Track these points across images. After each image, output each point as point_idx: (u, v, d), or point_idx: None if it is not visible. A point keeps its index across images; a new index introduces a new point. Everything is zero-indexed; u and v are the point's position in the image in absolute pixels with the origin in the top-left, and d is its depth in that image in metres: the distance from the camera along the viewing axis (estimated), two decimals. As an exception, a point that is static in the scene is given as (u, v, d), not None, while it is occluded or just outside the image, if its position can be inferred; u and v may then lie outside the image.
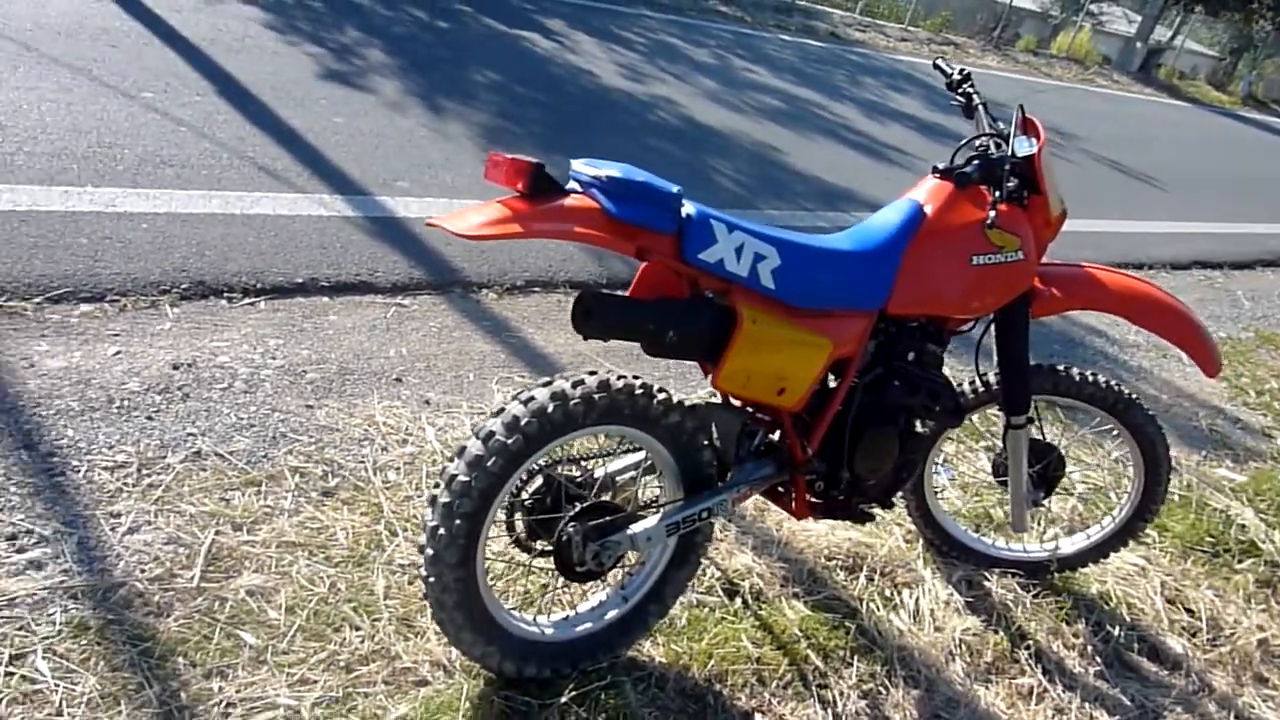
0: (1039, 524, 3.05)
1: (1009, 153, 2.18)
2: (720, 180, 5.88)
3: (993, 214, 2.04)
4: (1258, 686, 2.64)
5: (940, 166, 2.20)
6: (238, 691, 1.82)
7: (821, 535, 2.71)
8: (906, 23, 17.64)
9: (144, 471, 2.30)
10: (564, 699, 1.96)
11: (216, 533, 2.17)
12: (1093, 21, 23.03)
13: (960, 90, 2.46)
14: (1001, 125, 2.31)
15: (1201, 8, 26.48)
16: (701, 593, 2.41)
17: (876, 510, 2.52)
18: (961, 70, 2.48)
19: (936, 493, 2.90)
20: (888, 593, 2.59)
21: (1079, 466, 3.48)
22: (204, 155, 4.12)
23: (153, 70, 5.03)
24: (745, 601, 2.41)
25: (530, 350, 3.33)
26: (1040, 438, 2.73)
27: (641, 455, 2.09)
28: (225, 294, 3.18)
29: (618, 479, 2.12)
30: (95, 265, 3.09)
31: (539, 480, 1.96)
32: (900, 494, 2.78)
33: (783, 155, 6.78)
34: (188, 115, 4.52)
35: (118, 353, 2.73)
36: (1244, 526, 3.37)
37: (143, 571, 2.02)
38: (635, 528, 1.95)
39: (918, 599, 2.58)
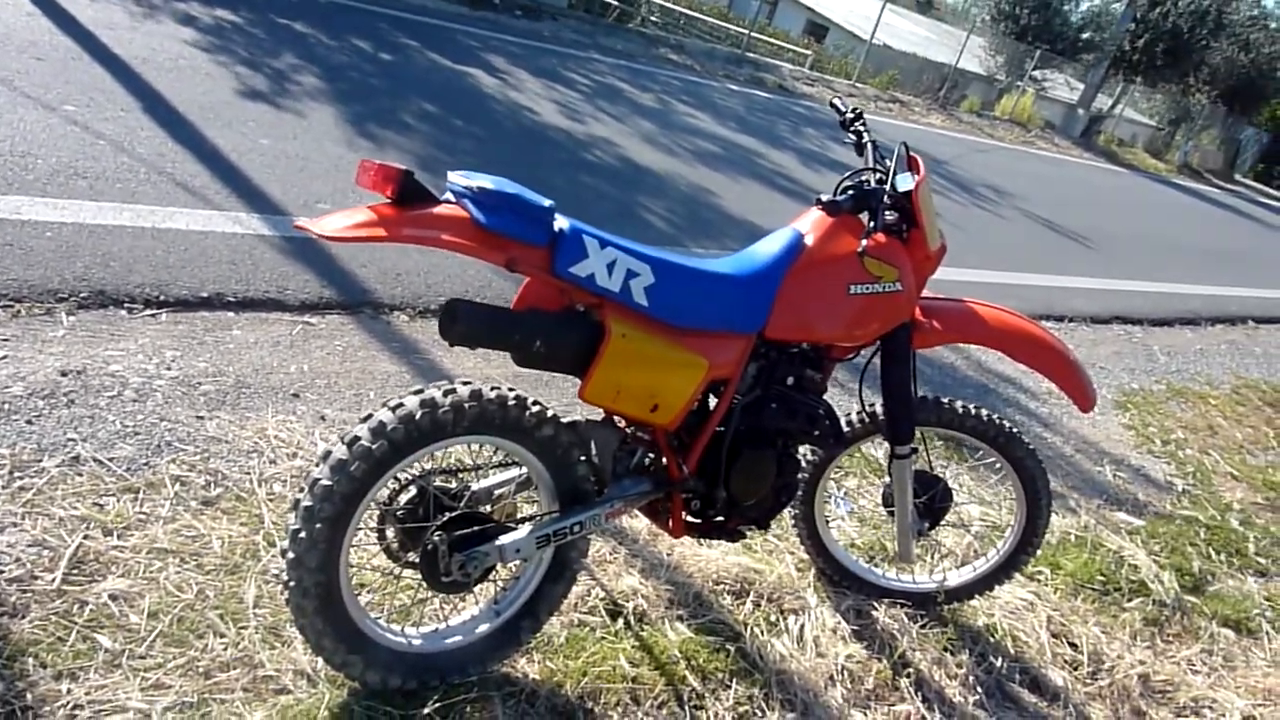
0: (933, 557, 3.10)
1: (886, 186, 2.26)
2: (650, 219, 5.96)
3: (864, 243, 2.11)
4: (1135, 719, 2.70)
5: (823, 198, 2.27)
6: (87, 694, 1.79)
7: (711, 560, 2.74)
8: (854, 79, 18.10)
9: (15, 474, 2.26)
10: (427, 710, 1.95)
11: (85, 537, 2.14)
12: (1036, 87, 23.77)
13: (852, 128, 2.54)
14: (888, 162, 2.39)
15: (1141, 79, 27.52)
16: (584, 613, 2.41)
17: (768, 536, 2.54)
18: (854, 109, 2.57)
19: (829, 522, 2.95)
20: (773, 618, 2.61)
21: (979, 505, 3.55)
22: (120, 169, 4.10)
23: (78, 85, 5.00)
24: (628, 622, 2.42)
25: (437, 372, 3.34)
26: (927, 469, 2.80)
27: (521, 470, 2.11)
28: (126, 304, 3.15)
29: (496, 493, 2.14)
30: (-8, 271, 3.06)
31: (413, 490, 1.97)
32: (793, 523, 2.84)
33: (716, 198, 6.90)
34: (109, 130, 4.49)
35: (4, 357, 2.69)
36: (1136, 567, 3.45)
37: (2, 573, 1.98)
38: (504, 539, 1.96)
39: (803, 625, 2.61)
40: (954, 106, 19.67)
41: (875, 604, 2.77)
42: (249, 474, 2.53)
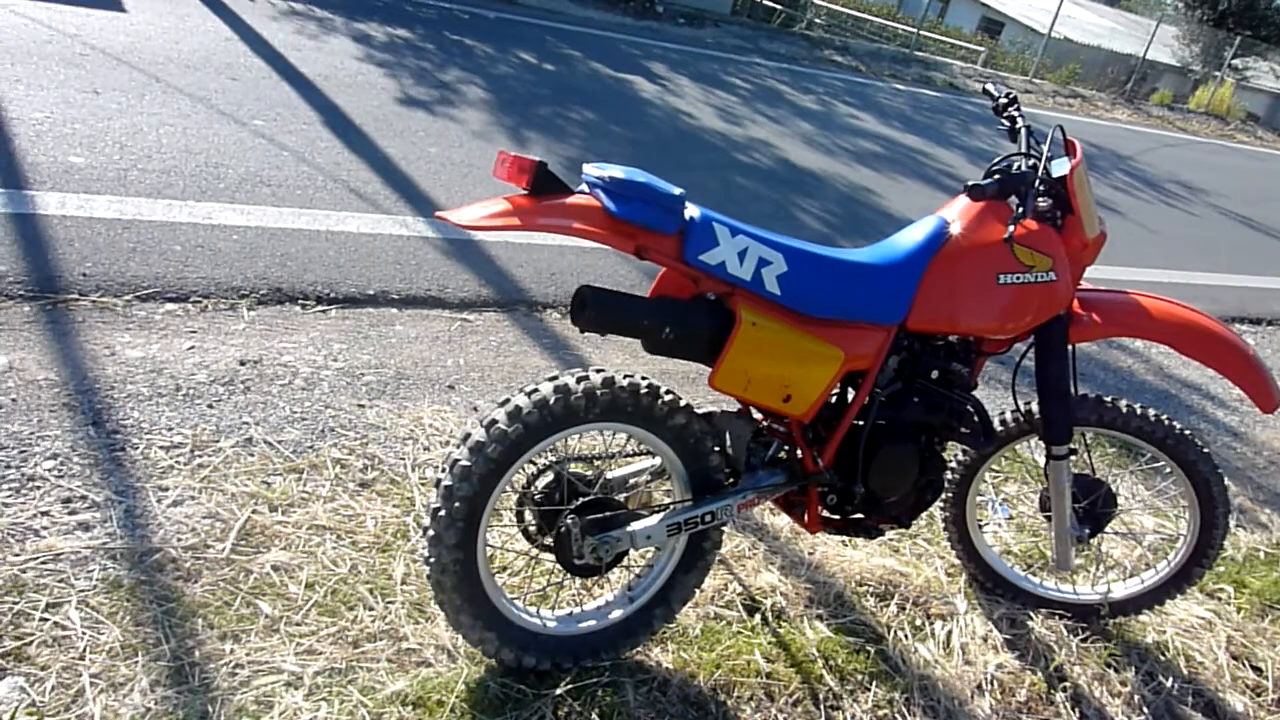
0: (1097, 567, 2.93)
1: (1039, 169, 2.16)
2: (804, 218, 5.89)
3: (1011, 229, 2.01)
4: (1328, 754, 2.46)
5: (971, 184, 2.19)
6: (248, 655, 1.93)
7: (855, 561, 2.68)
8: (1031, 75, 17.29)
9: (196, 452, 2.46)
10: (559, 691, 1.99)
11: (253, 512, 2.31)
12: (1236, 76, 22.03)
13: (1005, 114, 2.45)
14: (1043, 147, 2.28)
15: (1361, 64, 25.06)
16: (720, 606, 2.41)
17: (916, 539, 2.46)
18: (1008, 94, 2.48)
19: (982, 526, 2.83)
20: (919, 622, 2.53)
21: (1154, 514, 3.32)
22: (301, 177, 4.40)
23: (266, 101, 5.40)
24: (765, 618, 2.40)
25: (585, 367, 3.41)
26: (1089, 472, 2.65)
27: (655, 459, 2.13)
28: (300, 301, 3.38)
29: (630, 481, 2.17)
30: (184, 270, 3.34)
31: (550, 475, 2.02)
32: (943, 525, 2.74)
33: (876, 197, 6.75)
34: (291, 142, 4.83)
35: (192, 347, 2.93)
36: (1337, 590, 3.14)
37: (179, 540, 2.16)
38: (635, 525, 1.98)
39: (950, 631, 2.51)
40: (1142, 100, 18.50)
41: (1031, 614, 2.63)
42: (404, 459, 2.65)
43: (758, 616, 2.39)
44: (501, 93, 6.89)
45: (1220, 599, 2.94)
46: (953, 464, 2.67)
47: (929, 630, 2.50)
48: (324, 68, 6.39)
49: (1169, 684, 2.52)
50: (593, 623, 2.11)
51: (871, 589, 2.60)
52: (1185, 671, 2.59)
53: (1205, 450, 2.46)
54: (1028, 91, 15.80)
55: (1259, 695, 2.58)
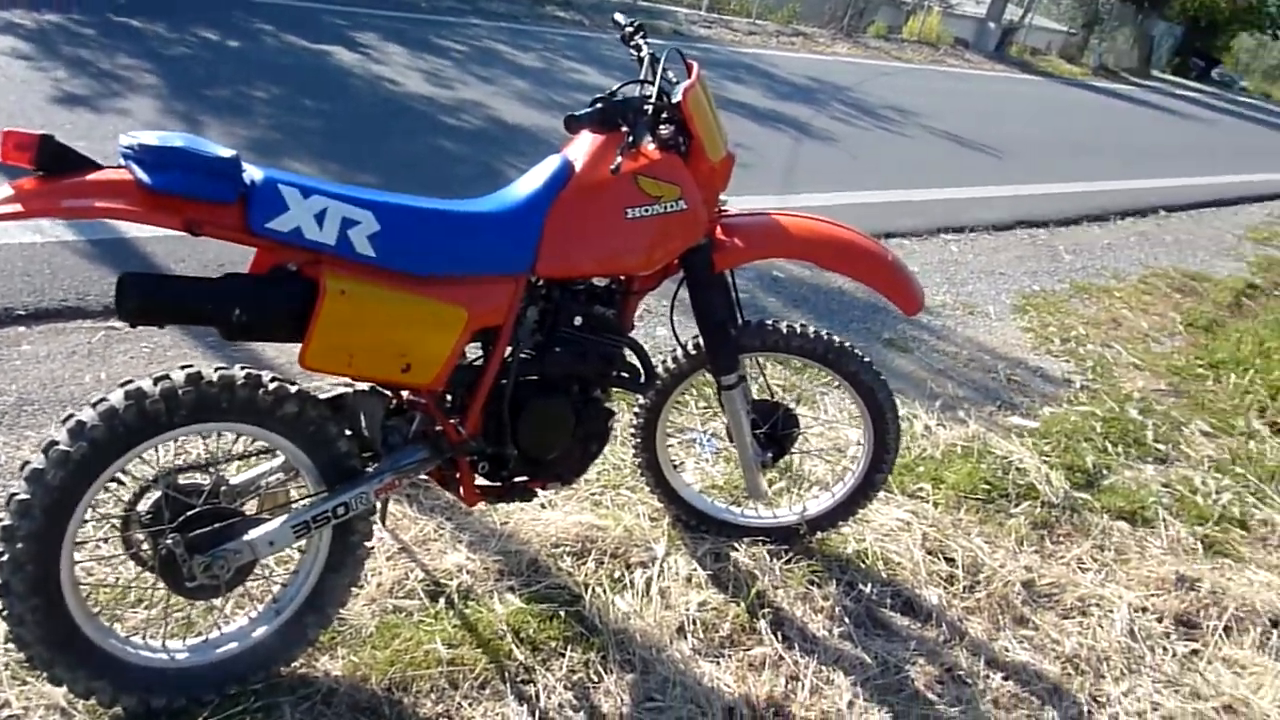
0: (800, 487, 2.97)
1: (651, 95, 2.09)
2: (515, 176, 5.72)
3: (619, 159, 1.93)
4: (1016, 628, 2.59)
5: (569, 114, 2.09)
6: None
7: (551, 522, 2.58)
8: (754, 17, 17.79)
9: None
10: (195, 730, 1.77)
11: None
12: (943, 5, 23.58)
13: (632, 43, 2.38)
14: (672, 75, 2.22)
15: (1046, -14, 27.41)
16: (400, 597, 2.24)
17: (620, 489, 2.37)
18: (632, 22, 2.41)
19: (677, 465, 2.80)
20: (618, 575, 2.46)
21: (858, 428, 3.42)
22: (-95, 189, 3.79)
23: None
24: (450, 601, 2.25)
25: (263, 368, 3.12)
26: (768, 396, 2.66)
27: (282, 458, 1.92)
28: (-109, 333, 2.90)
29: (261, 484, 1.95)
30: None
31: (157, 492, 1.77)
32: (638, 471, 2.68)
33: (594, 150, 6.66)
34: (-104, 150, 4.16)
35: None
36: (1024, 470, 3.35)
37: None
38: (253, 533, 1.78)
39: (649, 579, 2.46)
40: (860, 34, 19.46)
41: (735, 545, 2.63)
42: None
43: (442, 601, 2.25)
44: (174, 77, 6.23)
45: (919, 498, 3.06)
46: (635, 409, 2.62)
47: (628, 580, 2.44)
48: (-49, 62, 5.59)
49: (868, 589, 2.58)
50: (234, 645, 1.89)
51: (569, 549, 2.51)
52: (884, 575, 2.67)
53: (866, 360, 2.51)
54: (752, 33, 16.22)
55: (952, 585, 2.69)
